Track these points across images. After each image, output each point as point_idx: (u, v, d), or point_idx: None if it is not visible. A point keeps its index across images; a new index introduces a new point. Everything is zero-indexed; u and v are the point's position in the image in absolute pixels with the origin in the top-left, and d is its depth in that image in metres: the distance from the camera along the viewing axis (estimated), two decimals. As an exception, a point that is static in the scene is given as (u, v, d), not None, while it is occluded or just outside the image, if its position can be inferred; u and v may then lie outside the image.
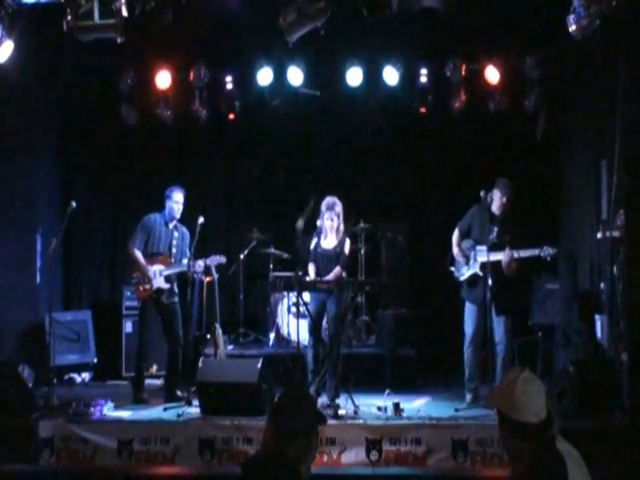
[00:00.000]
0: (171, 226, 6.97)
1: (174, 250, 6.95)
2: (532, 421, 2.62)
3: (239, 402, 5.97)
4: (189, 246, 6.99)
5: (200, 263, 6.82)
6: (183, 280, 7.09)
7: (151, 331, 7.60)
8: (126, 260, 7.50)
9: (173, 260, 6.93)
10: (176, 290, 7.02)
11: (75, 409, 6.14)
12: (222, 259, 7.03)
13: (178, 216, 6.96)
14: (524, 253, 6.26)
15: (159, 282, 6.83)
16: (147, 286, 6.82)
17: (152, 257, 6.89)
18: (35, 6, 6.15)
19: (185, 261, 6.89)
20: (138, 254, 6.86)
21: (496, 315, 6.35)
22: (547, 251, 6.19)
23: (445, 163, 8.66)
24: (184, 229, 7.07)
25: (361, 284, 7.36)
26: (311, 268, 6.73)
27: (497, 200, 6.47)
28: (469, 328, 6.50)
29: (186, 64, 7.98)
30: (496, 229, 6.41)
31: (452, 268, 6.66)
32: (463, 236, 6.64)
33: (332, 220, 6.66)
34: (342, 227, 6.76)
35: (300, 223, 7.58)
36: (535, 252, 6.23)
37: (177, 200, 6.90)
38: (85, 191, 8.64)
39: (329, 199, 6.69)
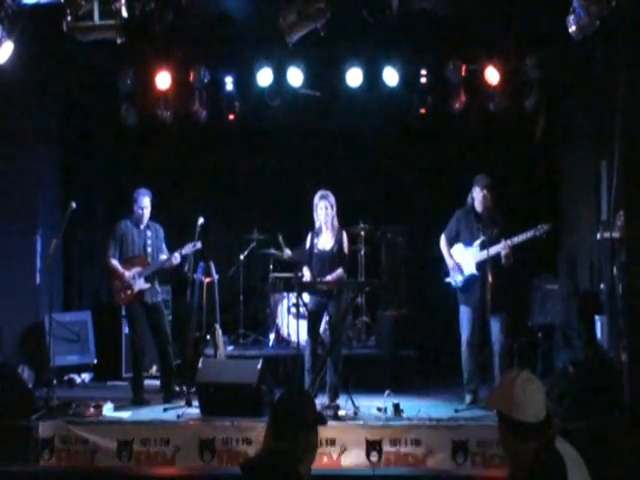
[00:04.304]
0: (142, 227, 7.00)
1: (149, 249, 6.98)
2: (531, 421, 2.62)
3: (239, 403, 5.97)
4: (165, 241, 7.09)
5: (176, 255, 6.84)
6: (183, 281, 7.11)
7: (150, 333, 7.66)
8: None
9: (150, 259, 6.95)
10: (159, 289, 7.09)
11: (75, 410, 6.14)
12: (197, 244, 6.97)
13: (145, 220, 6.97)
14: (520, 239, 6.23)
15: (139, 284, 6.86)
16: (128, 292, 6.86)
17: (129, 261, 6.91)
18: (35, 6, 6.15)
19: (163, 257, 6.95)
20: (114, 263, 6.89)
21: (492, 314, 6.32)
22: (542, 229, 6.16)
23: (445, 164, 8.65)
24: (157, 226, 7.12)
25: (361, 285, 7.37)
26: (306, 271, 6.68)
27: (478, 197, 6.44)
28: (465, 331, 6.49)
29: (186, 65, 7.98)
30: (484, 227, 6.37)
31: (448, 279, 6.62)
32: (451, 243, 6.63)
33: (326, 209, 6.59)
34: (336, 222, 6.71)
35: (287, 253, 7.62)
36: (530, 234, 6.20)
37: (143, 205, 6.91)
38: (85, 191, 8.63)
39: (322, 191, 6.66)
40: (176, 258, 6.84)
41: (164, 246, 7.08)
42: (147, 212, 6.96)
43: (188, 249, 6.90)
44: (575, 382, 5.86)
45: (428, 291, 8.27)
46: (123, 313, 8.14)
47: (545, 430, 2.65)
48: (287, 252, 7.86)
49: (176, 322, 8.30)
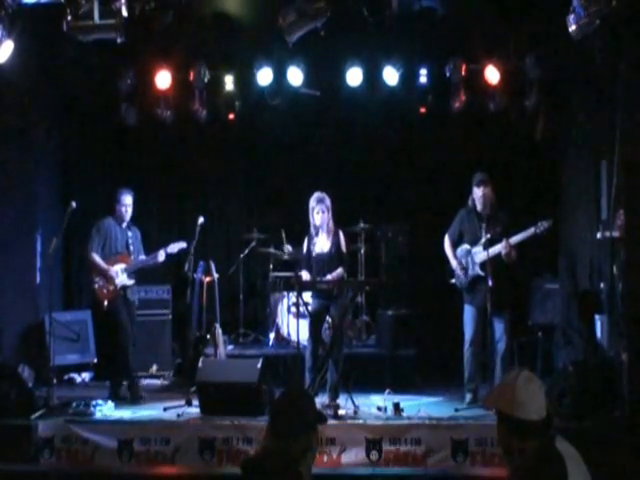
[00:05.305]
0: (124, 226, 7.09)
1: (132, 248, 7.09)
2: (533, 419, 2.63)
3: (239, 402, 5.98)
4: (140, 244, 7.19)
5: (161, 252, 6.96)
6: (183, 280, 7.12)
7: (150, 333, 7.70)
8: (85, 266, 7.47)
9: (132, 257, 7.04)
10: (136, 289, 7.17)
11: (75, 409, 6.15)
12: (182, 244, 7.08)
13: (128, 218, 7.08)
14: (521, 237, 6.25)
15: (123, 280, 6.94)
16: (111, 287, 6.91)
17: (111, 258, 6.98)
18: (35, 6, 6.15)
19: (142, 256, 7.08)
20: (97, 258, 6.95)
21: (495, 314, 6.33)
22: (542, 226, 6.17)
23: (445, 163, 8.65)
24: (135, 228, 7.24)
25: (361, 284, 7.37)
26: (305, 274, 6.65)
27: (477, 197, 6.45)
28: (469, 331, 6.50)
29: (186, 64, 7.97)
30: (486, 227, 6.37)
31: (453, 280, 6.63)
32: (455, 244, 6.63)
33: (323, 212, 6.57)
34: (332, 223, 6.69)
35: (288, 248, 7.61)
36: (531, 231, 6.21)
37: (126, 203, 7.02)
38: (85, 191, 8.63)
39: (318, 194, 6.64)
40: (161, 255, 6.97)
41: (142, 248, 7.19)
42: (130, 210, 7.06)
43: (173, 248, 7.02)
44: (575, 381, 5.86)
45: (428, 290, 8.26)
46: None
47: (546, 429, 2.65)
48: (288, 248, 7.83)
49: (176, 322, 8.31)
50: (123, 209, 7.01)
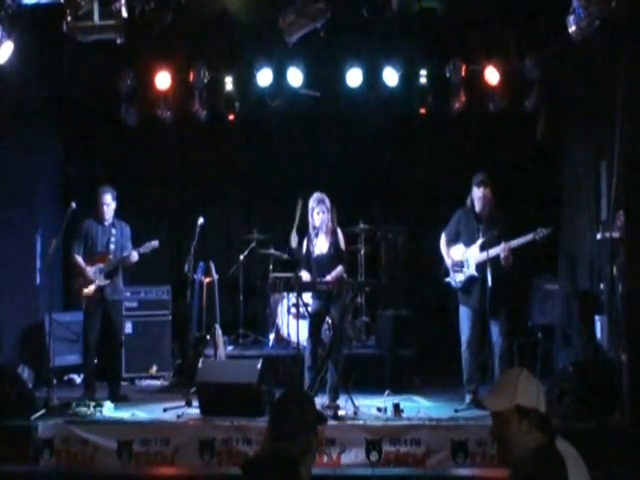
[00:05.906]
0: (107, 224, 7.09)
1: (112, 247, 7.06)
2: (544, 412, 2.64)
3: (239, 403, 5.98)
4: (130, 240, 7.19)
5: (134, 252, 6.96)
6: (183, 281, 7.11)
7: (149, 334, 7.67)
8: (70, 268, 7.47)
9: (112, 256, 7.04)
10: (122, 287, 7.17)
11: (75, 410, 6.15)
12: (155, 243, 7.07)
13: (109, 217, 7.07)
14: (519, 241, 6.22)
15: (100, 280, 6.95)
16: (91, 287, 6.93)
17: (92, 258, 7.01)
18: (35, 7, 6.15)
19: (125, 253, 7.06)
20: (78, 259, 7.00)
21: (492, 315, 6.32)
22: (541, 233, 6.15)
23: (445, 164, 8.65)
24: (123, 224, 7.22)
25: (361, 285, 7.36)
26: (305, 274, 6.64)
27: (477, 197, 6.43)
28: (465, 332, 6.48)
29: (186, 64, 7.97)
30: (484, 228, 6.36)
31: (448, 279, 6.62)
32: (451, 243, 6.61)
33: (323, 213, 6.55)
34: (331, 225, 6.67)
35: (293, 238, 7.60)
36: (529, 237, 6.19)
37: (105, 202, 7.03)
38: (85, 191, 8.62)
39: (317, 194, 6.61)
40: (134, 256, 6.97)
41: (130, 245, 7.15)
42: (108, 209, 7.05)
43: (146, 248, 7.02)
44: (575, 382, 5.86)
45: (428, 291, 8.26)
46: (124, 313, 8.15)
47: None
48: (293, 240, 7.78)
49: (176, 322, 8.31)
50: (102, 208, 7.02)
